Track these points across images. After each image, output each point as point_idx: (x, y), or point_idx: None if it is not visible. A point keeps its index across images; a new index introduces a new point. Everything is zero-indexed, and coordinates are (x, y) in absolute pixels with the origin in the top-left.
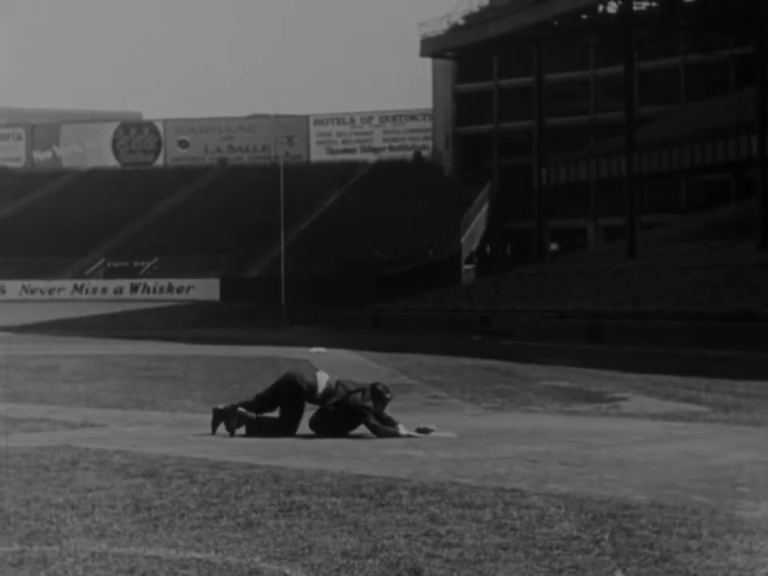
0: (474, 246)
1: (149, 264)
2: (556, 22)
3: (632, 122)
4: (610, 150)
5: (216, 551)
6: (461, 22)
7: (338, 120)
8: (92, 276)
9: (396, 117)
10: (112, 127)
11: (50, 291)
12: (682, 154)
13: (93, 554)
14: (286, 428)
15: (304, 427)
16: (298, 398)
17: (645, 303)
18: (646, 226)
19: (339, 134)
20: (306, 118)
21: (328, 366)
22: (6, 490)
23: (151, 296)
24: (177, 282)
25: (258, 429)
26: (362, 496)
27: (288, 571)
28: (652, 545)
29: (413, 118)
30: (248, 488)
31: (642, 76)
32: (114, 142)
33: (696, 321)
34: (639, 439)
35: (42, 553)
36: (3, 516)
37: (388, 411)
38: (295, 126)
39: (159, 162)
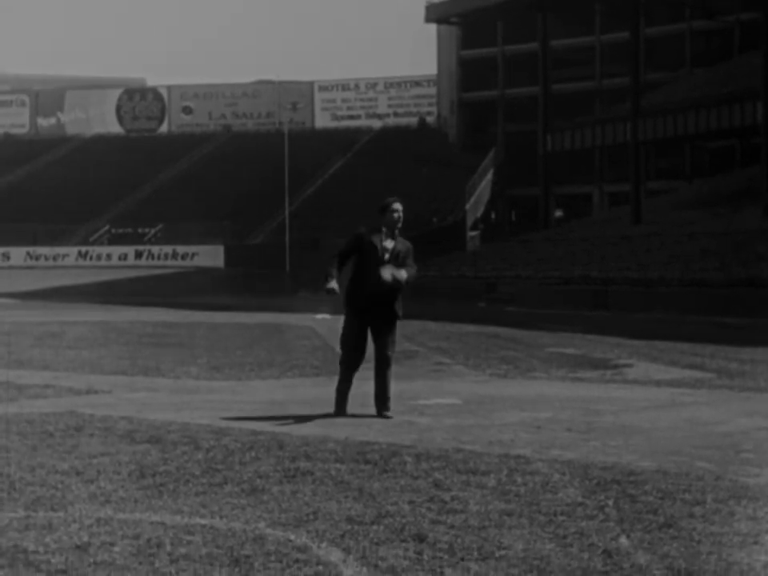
0: (479, 213)
1: (153, 230)
2: None
3: (637, 88)
4: (615, 116)
5: (221, 517)
6: None
7: (343, 86)
8: (96, 242)
9: (401, 83)
10: (116, 93)
11: (55, 258)
12: (687, 120)
13: (98, 519)
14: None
15: None
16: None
17: (650, 270)
18: (652, 193)
19: (344, 101)
20: (311, 84)
21: (332, 333)
22: (11, 456)
23: (156, 262)
24: (181, 249)
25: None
26: (366, 462)
27: (293, 537)
28: (656, 511)
29: (417, 84)
30: (252, 454)
31: (647, 42)
32: (118, 108)
33: (701, 287)
34: (644, 406)
35: (48, 519)
36: (8, 482)
37: None
38: (300, 93)
39: (163, 128)
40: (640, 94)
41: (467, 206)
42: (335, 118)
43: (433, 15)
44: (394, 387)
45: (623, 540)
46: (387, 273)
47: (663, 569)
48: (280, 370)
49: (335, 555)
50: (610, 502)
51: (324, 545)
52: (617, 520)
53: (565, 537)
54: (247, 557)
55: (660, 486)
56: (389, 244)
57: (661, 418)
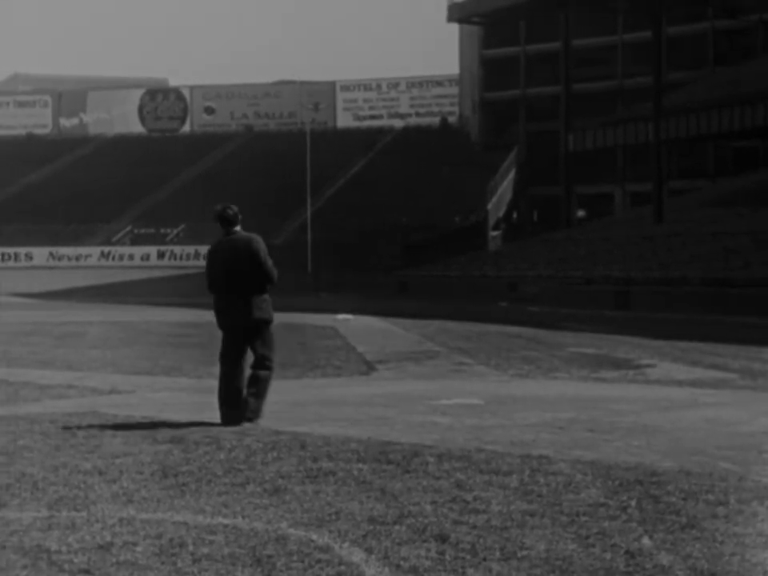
0: (501, 213)
1: (175, 231)
2: None
3: (660, 87)
4: (637, 115)
5: (243, 517)
6: None
7: (365, 86)
8: (119, 243)
9: (423, 83)
10: (138, 94)
11: (77, 258)
12: (710, 119)
13: (120, 519)
14: None
15: None
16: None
17: (672, 269)
18: (674, 192)
19: (366, 100)
20: (333, 84)
21: (354, 333)
22: (34, 456)
23: (178, 263)
24: (203, 249)
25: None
26: (388, 462)
27: (315, 537)
28: (679, 511)
29: (439, 83)
30: (274, 454)
31: (670, 41)
32: (141, 108)
33: (724, 287)
34: (666, 406)
35: (71, 518)
36: (32, 482)
37: None
38: (322, 92)
39: (185, 128)
40: (662, 93)
41: (489, 206)
42: (357, 117)
43: (455, 15)
44: (417, 386)
45: (646, 540)
46: None
47: (686, 569)
48: (301, 369)
49: (357, 555)
50: (633, 503)
51: (346, 545)
52: (639, 520)
53: (587, 537)
54: (269, 557)
55: (683, 486)
56: None
57: (683, 418)
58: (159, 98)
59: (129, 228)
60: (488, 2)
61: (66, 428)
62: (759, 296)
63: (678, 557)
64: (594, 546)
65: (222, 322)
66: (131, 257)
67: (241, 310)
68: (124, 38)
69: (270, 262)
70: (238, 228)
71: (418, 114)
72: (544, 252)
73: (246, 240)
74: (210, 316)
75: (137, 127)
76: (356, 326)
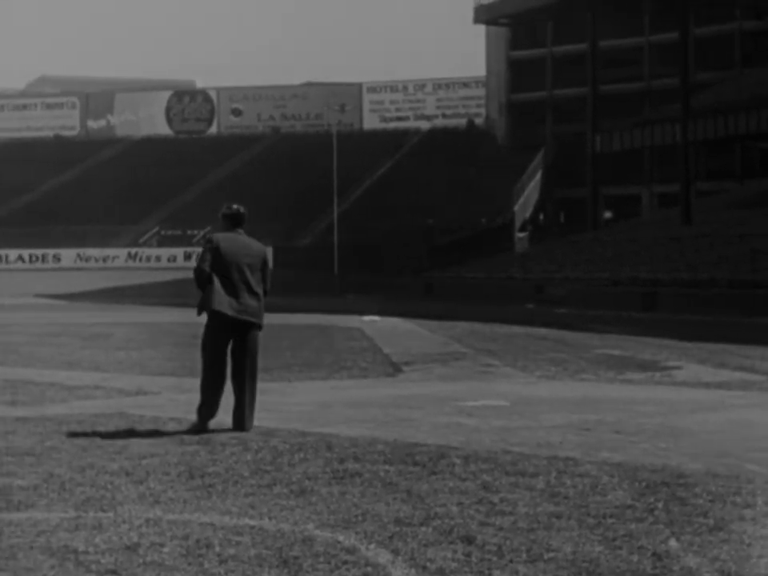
0: (528, 214)
1: (202, 232)
2: None
3: (687, 88)
4: (664, 116)
5: (269, 518)
6: None
7: (391, 88)
8: (146, 244)
9: (449, 84)
10: (165, 96)
11: (104, 259)
12: (737, 120)
13: (147, 520)
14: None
15: None
16: None
17: (699, 271)
18: (702, 193)
19: (392, 102)
20: (359, 85)
21: (380, 334)
22: (61, 457)
23: None
24: None
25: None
26: (414, 464)
27: (341, 538)
28: (706, 513)
29: (466, 85)
30: (301, 455)
31: (697, 42)
32: (168, 110)
33: (751, 288)
34: (693, 408)
35: (97, 519)
36: (59, 482)
37: None
38: (348, 94)
39: (212, 130)
40: (690, 94)
41: (515, 208)
42: (383, 119)
43: (482, 16)
44: (443, 388)
45: (673, 543)
46: None
47: (713, 572)
48: (328, 371)
49: (384, 557)
50: (660, 505)
51: (372, 546)
52: (666, 523)
53: (614, 539)
54: (296, 558)
55: (710, 488)
56: None
57: (710, 420)
58: (186, 100)
59: (156, 229)
60: (515, 4)
61: (93, 429)
62: None
63: (705, 559)
64: (620, 548)
65: (229, 310)
66: (158, 258)
67: (253, 306)
68: (151, 40)
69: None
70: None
71: (444, 116)
72: (571, 254)
73: (258, 244)
74: None
75: (164, 129)
76: (382, 328)
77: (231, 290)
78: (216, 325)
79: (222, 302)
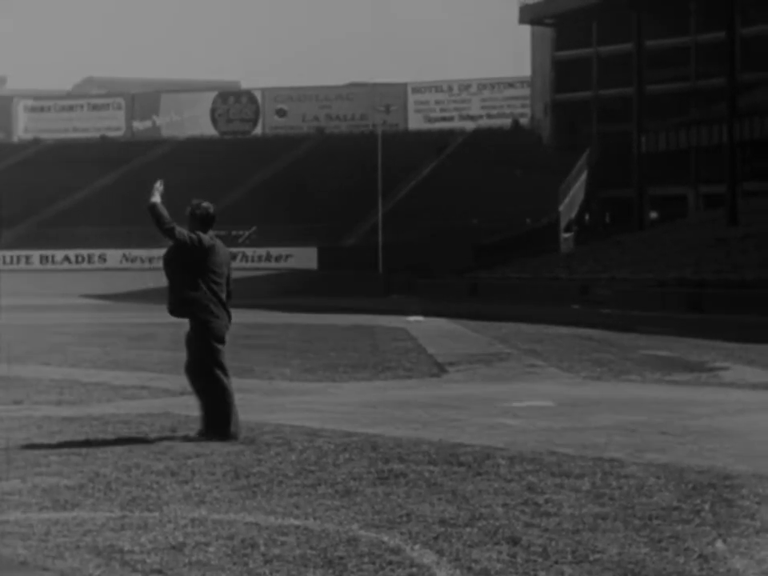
0: (573, 215)
1: (247, 233)
2: None
3: (734, 88)
4: (711, 117)
5: (314, 518)
6: None
7: (436, 88)
8: None
9: (494, 84)
10: (210, 96)
11: (150, 260)
12: None
13: (192, 520)
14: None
15: None
16: None
17: (746, 271)
18: (748, 194)
19: (437, 102)
20: (404, 86)
21: (425, 335)
22: (107, 457)
23: (249, 264)
24: (275, 251)
25: None
26: (459, 464)
27: (386, 539)
28: (753, 515)
29: (511, 85)
30: (346, 456)
31: (743, 42)
32: (213, 111)
33: None
34: (740, 409)
35: (143, 518)
36: (105, 482)
37: None
38: (393, 94)
39: (257, 130)
40: (736, 94)
41: (561, 208)
42: (428, 119)
43: (527, 16)
44: (488, 388)
45: (719, 544)
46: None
47: (760, 574)
48: (372, 371)
49: (428, 557)
50: (706, 506)
51: (417, 547)
52: (713, 524)
53: (660, 541)
54: (340, 558)
55: (757, 490)
56: None
57: (757, 421)
58: (231, 101)
59: None
60: (560, 4)
61: (139, 429)
62: None
63: (751, 561)
64: (666, 549)
65: (225, 329)
66: None
67: (227, 318)
68: (196, 41)
69: None
70: None
71: (489, 116)
72: (616, 254)
73: (227, 248)
74: (282, 318)
75: (209, 130)
76: (427, 328)
77: (219, 301)
78: (213, 345)
79: (221, 327)
